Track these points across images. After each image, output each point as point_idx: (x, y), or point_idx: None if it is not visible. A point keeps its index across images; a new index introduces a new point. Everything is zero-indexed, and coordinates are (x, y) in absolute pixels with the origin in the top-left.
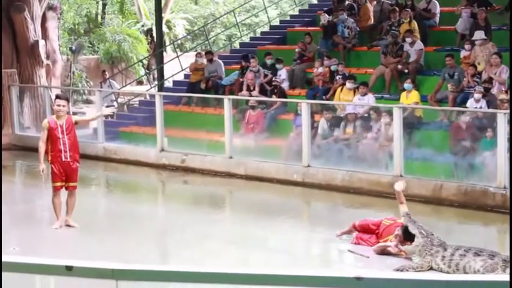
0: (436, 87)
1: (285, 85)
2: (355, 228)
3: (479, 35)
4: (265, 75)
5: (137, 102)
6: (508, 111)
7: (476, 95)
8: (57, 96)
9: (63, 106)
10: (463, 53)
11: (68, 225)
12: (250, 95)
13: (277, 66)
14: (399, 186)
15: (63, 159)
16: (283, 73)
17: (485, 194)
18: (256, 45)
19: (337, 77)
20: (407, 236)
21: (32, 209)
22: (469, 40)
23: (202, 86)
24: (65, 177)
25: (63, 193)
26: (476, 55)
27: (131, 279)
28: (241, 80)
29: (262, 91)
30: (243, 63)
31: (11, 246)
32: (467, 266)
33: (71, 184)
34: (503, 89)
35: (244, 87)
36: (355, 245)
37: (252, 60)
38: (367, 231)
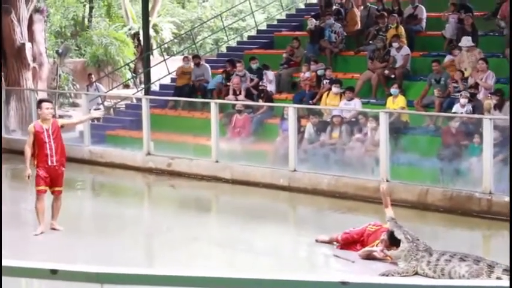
0: (423, 92)
1: (272, 88)
2: (337, 241)
3: (466, 40)
4: (251, 80)
5: (124, 106)
6: (494, 116)
7: (462, 100)
8: (43, 100)
9: (51, 109)
10: (447, 58)
11: (53, 229)
12: (237, 99)
13: (264, 71)
14: (385, 186)
15: (50, 164)
16: (270, 75)
17: (471, 200)
18: (243, 50)
19: (324, 82)
20: (393, 241)
21: (17, 212)
22: (455, 45)
23: (194, 88)
24: (50, 181)
25: (48, 198)
26: (462, 60)
27: (116, 283)
28: (228, 83)
29: (248, 95)
30: (228, 68)
31: None
32: (452, 271)
33: (57, 189)
34: (489, 95)
35: (231, 92)
36: (340, 250)
37: (238, 65)
38: (350, 243)
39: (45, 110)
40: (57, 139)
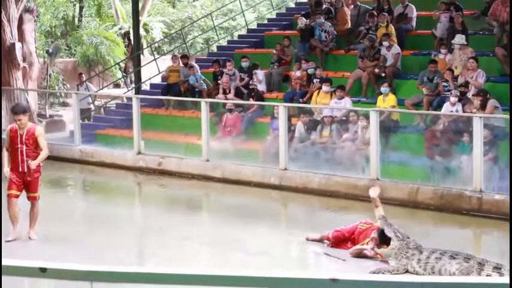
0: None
1: (262, 87)
2: (328, 240)
3: (459, 38)
4: (242, 79)
5: (114, 105)
6: (484, 115)
7: (452, 99)
8: (14, 112)
9: (21, 120)
10: (438, 57)
11: (29, 238)
12: (226, 98)
13: (254, 71)
14: (374, 192)
15: (20, 170)
16: (260, 74)
17: (461, 198)
18: (233, 49)
19: (315, 81)
20: (383, 239)
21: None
22: (445, 44)
23: (182, 89)
24: (23, 187)
25: (23, 203)
26: (454, 59)
27: (106, 281)
28: (219, 82)
29: (238, 94)
30: (216, 68)
31: None
32: (442, 269)
33: (31, 195)
34: (473, 95)
35: (220, 91)
36: (331, 248)
37: (228, 64)
38: (341, 241)
39: (18, 122)
40: (31, 146)
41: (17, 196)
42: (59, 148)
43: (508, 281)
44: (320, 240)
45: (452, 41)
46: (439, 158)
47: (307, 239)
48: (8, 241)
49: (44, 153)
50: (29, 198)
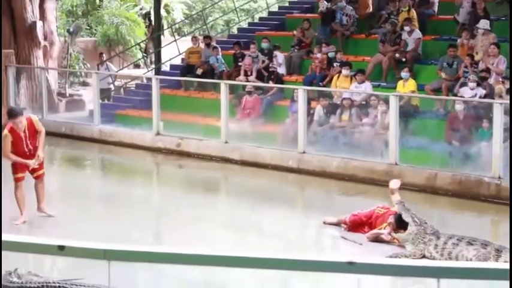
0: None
1: (282, 70)
2: (345, 224)
3: (484, 23)
4: (263, 61)
5: (134, 86)
6: (504, 101)
7: (471, 84)
8: (14, 115)
9: (22, 122)
10: (459, 42)
11: (43, 213)
12: (247, 80)
13: (275, 52)
14: (395, 184)
15: (26, 151)
16: (280, 57)
17: (480, 184)
18: (254, 31)
19: (335, 64)
20: (400, 224)
21: (26, 188)
22: (467, 30)
23: (199, 71)
24: (29, 168)
25: (27, 186)
26: (476, 44)
27: (123, 260)
28: (239, 64)
29: (259, 77)
30: (236, 50)
31: None
32: (459, 255)
33: (40, 172)
34: (501, 80)
35: (242, 73)
36: (348, 232)
37: (251, 46)
38: (359, 225)
39: (20, 124)
40: (33, 137)
41: (24, 178)
42: (78, 127)
43: None
44: (337, 224)
45: (477, 25)
46: (458, 143)
47: (324, 223)
48: (17, 224)
49: (43, 136)
50: (38, 176)
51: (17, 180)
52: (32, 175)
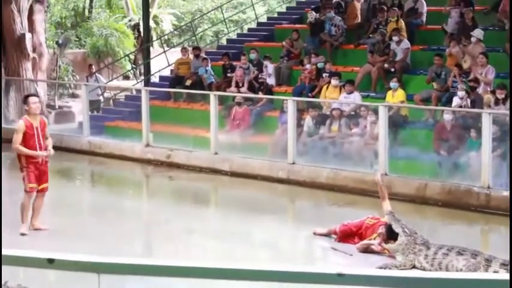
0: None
1: (272, 81)
2: (335, 234)
3: (478, 32)
4: (253, 72)
5: (123, 97)
6: (493, 111)
7: (460, 93)
8: (30, 95)
9: (38, 103)
10: (448, 51)
11: (38, 229)
12: (239, 92)
13: (265, 62)
14: (379, 175)
15: (37, 160)
16: (270, 68)
17: (470, 194)
18: (243, 42)
19: (324, 75)
20: (390, 235)
21: (16, 201)
22: (455, 40)
23: (188, 82)
24: (38, 178)
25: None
26: (468, 51)
27: (113, 273)
28: (228, 75)
29: (250, 88)
30: (225, 61)
31: None
32: (449, 265)
33: (44, 185)
34: (489, 90)
35: (233, 84)
36: (338, 243)
37: (242, 58)
38: (349, 236)
39: (32, 104)
40: (44, 137)
41: (36, 189)
42: (67, 139)
43: None
44: (327, 235)
45: (471, 33)
46: (447, 153)
47: (315, 234)
48: (24, 234)
49: (50, 140)
50: (41, 190)
51: (31, 190)
52: (37, 187)
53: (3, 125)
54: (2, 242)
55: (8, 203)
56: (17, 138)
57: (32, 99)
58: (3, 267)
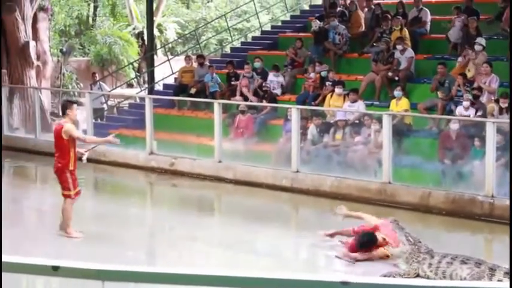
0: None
1: (278, 91)
2: (353, 233)
3: (480, 40)
4: (257, 81)
5: (127, 105)
6: (497, 120)
7: (465, 103)
8: (73, 102)
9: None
10: (457, 61)
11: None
12: (246, 100)
13: (273, 74)
14: (341, 210)
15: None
16: (279, 79)
17: (473, 203)
18: (247, 50)
19: (327, 83)
20: (363, 244)
21: (20, 210)
22: (463, 48)
23: (192, 90)
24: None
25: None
26: (473, 60)
27: (117, 280)
28: (232, 83)
29: (256, 96)
30: (229, 69)
31: None
32: (453, 274)
33: (79, 189)
34: (493, 98)
35: (238, 93)
36: (344, 249)
37: (246, 67)
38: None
39: (76, 111)
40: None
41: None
42: None
43: None
44: (341, 234)
45: (475, 41)
46: (451, 162)
47: (325, 234)
48: (78, 237)
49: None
50: (77, 193)
51: (76, 195)
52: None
53: (6, 133)
54: (2, 245)
55: (16, 210)
56: (75, 133)
57: (76, 106)
58: (7, 274)
